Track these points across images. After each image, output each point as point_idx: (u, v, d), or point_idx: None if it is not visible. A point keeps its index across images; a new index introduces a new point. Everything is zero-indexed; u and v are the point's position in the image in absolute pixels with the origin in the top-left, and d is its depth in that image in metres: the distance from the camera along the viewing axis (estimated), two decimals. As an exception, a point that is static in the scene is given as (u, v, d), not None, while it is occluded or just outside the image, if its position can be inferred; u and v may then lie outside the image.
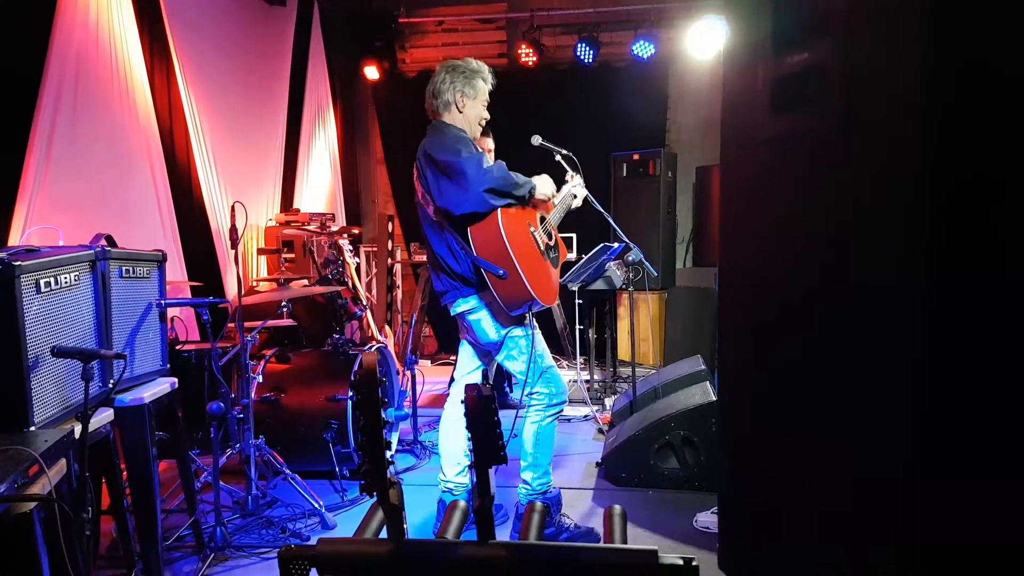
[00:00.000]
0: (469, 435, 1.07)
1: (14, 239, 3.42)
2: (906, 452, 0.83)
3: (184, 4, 4.72)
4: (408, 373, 4.37)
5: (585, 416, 5.05)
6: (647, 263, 4.31)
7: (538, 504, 1.19)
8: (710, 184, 6.94)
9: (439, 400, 5.29)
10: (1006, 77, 0.73)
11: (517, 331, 3.09)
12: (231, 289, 5.18)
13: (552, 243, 3.31)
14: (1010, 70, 0.72)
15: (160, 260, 2.82)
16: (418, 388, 4.44)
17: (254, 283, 5.43)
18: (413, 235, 7.36)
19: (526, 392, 3.13)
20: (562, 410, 3.17)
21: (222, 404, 2.94)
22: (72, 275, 2.21)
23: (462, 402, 1.16)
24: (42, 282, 2.05)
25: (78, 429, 2.02)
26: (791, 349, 1.11)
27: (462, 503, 1.25)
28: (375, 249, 7.10)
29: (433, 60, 7.79)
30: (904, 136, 0.81)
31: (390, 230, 6.87)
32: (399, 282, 7.30)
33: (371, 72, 7.35)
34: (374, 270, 7.15)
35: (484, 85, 3.21)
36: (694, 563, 0.95)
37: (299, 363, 3.93)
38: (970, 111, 0.76)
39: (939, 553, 0.82)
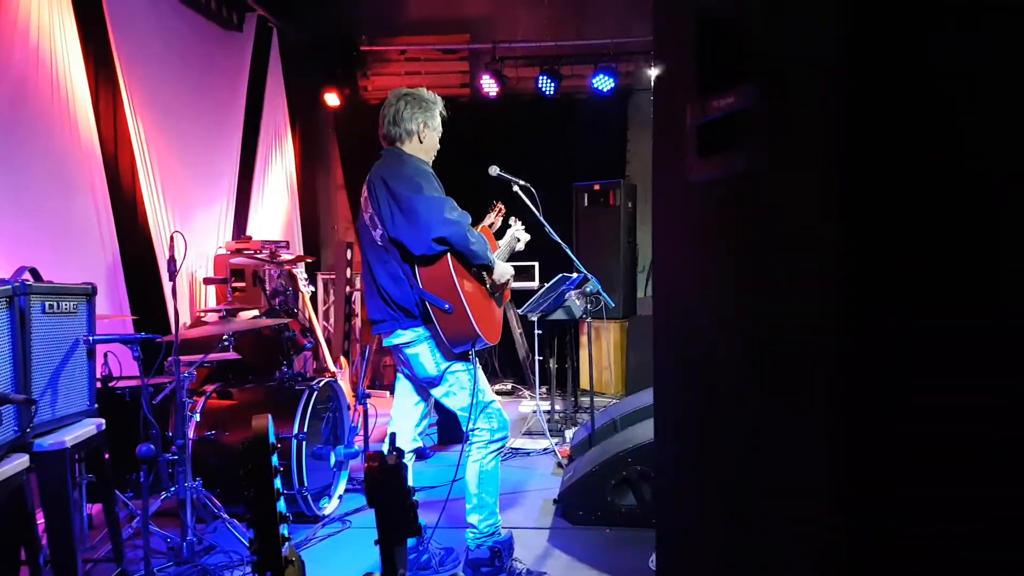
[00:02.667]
0: (374, 508, 0.97)
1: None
2: (828, 498, 0.79)
3: (131, 25, 4.60)
4: (360, 408, 4.23)
5: (544, 449, 4.94)
6: (604, 294, 4.25)
7: None
8: (671, 215, 6.94)
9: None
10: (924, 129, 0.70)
11: (458, 366, 2.99)
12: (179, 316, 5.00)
13: (498, 283, 3.23)
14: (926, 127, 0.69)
15: (89, 294, 2.68)
16: (372, 422, 4.30)
17: (201, 314, 5.26)
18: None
19: (466, 429, 3.03)
20: (504, 445, 3.08)
21: (152, 446, 2.78)
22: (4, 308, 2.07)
23: (387, 462, 1.07)
24: (-54, 320, 1.91)
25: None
26: (716, 394, 1.05)
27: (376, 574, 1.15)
28: (334, 277, 6.96)
29: (394, 88, 7.74)
30: (828, 174, 0.77)
31: (348, 258, 6.74)
32: (357, 310, 7.16)
33: (331, 99, 7.27)
34: (332, 298, 7.01)
35: (439, 116, 3.16)
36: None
37: (242, 399, 3.78)
38: (893, 152, 0.72)
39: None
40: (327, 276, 7.06)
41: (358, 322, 7.20)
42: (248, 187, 6.20)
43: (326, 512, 3.78)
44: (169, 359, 4.28)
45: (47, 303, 2.41)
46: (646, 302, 7.24)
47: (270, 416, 0.94)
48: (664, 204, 1.19)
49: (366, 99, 7.76)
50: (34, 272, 2.46)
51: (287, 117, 7.01)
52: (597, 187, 7.01)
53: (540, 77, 7.21)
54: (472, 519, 2.99)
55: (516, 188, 3.63)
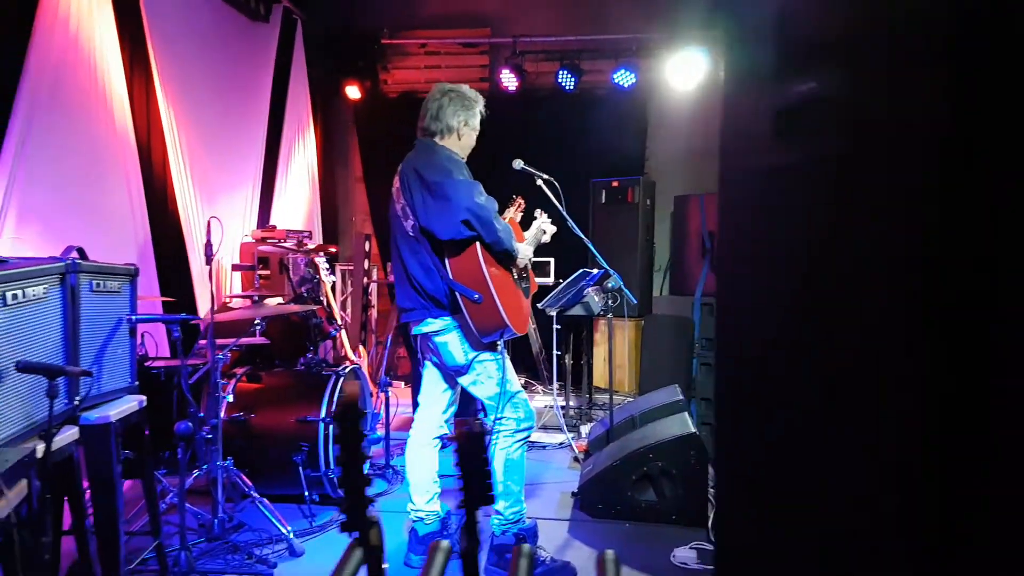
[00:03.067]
0: (459, 474, 1.02)
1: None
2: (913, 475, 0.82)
3: (166, 15, 4.66)
4: (382, 395, 4.30)
5: (560, 443, 5.00)
6: (626, 290, 4.30)
7: (525, 548, 1.14)
8: (687, 213, 6.99)
9: (410, 422, 5.21)
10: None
11: (486, 355, 3.05)
12: (203, 305, 5.08)
13: (524, 274, 3.29)
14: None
15: (132, 274, 2.74)
16: (393, 410, 4.37)
17: (227, 300, 5.34)
18: (389, 255, 7.31)
19: (492, 418, 3.09)
20: (530, 436, 3.14)
21: (191, 424, 2.85)
22: (40, 288, 2.14)
23: (448, 438, 1.12)
24: (8, 294, 1.97)
25: (40, 448, 1.94)
26: (784, 385, 1.09)
27: (444, 544, 1.20)
28: (351, 268, 7.03)
29: (415, 82, 7.81)
30: (913, 169, 0.80)
31: (367, 249, 6.82)
32: (375, 301, 7.23)
33: (352, 92, 7.33)
34: (349, 289, 7.07)
35: (479, 115, 3.22)
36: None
37: (270, 383, 3.85)
38: (989, 151, 0.75)
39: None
40: (345, 267, 7.13)
41: (374, 312, 7.27)
42: (272, 177, 6.26)
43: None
44: (201, 341, 4.38)
45: (94, 282, 2.47)
46: (661, 301, 7.28)
47: (357, 383, 0.98)
48: (733, 190, 1.23)
49: (386, 92, 7.82)
50: (81, 252, 2.52)
51: (309, 109, 7.07)
52: (615, 184, 7.05)
53: (560, 72, 7.23)
54: (498, 506, 3.05)
55: (540, 182, 3.67)
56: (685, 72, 7.13)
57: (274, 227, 5.50)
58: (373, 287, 7.07)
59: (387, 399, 4.27)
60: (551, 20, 7.61)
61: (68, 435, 2.25)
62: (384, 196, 8.23)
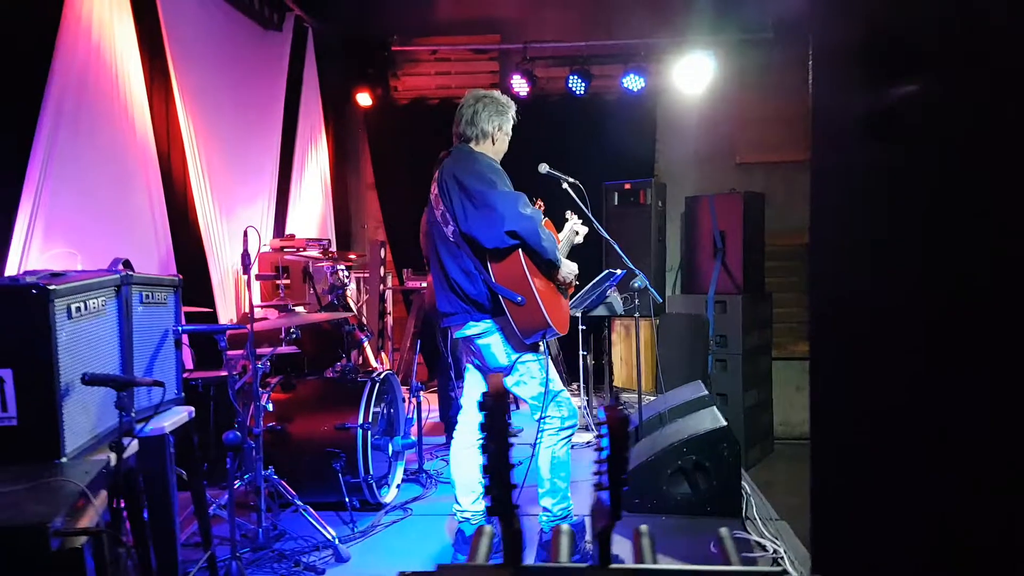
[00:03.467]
0: (605, 456, 1.04)
1: (13, 255, 3.32)
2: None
3: (184, 25, 4.67)
4: (414, 400, 4.31)
5: (587, 443, 5.01)
6: (652, 289, 4.31)
7: (565, 527, 1.15)
8: (698, 214, 7.02)
9: (437, 428, 5.22)
10: None
11: (528, 356, 3.07)
12: (224, 314, 5.08)
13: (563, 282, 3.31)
14: None
15: (177, 285, 2.75)
16: (424, 415, 4.38)
17: (247, 310, 5.35)
18: (404, 261, 7.32)
19: (537, 417, 3.10)
20: (574, 433, 3.15)
21: (238, 433, 2.85)
22: (99, 300, 2.14)
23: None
24: (73, 307, 1.98)
25: (113, 459, 1.94)
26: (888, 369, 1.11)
27: (487, 527, 1.20)
28: (367, 275, 7.03)
29: (425, 88, 7.83)
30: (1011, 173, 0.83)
31: (382, 256, 6.82)
32: (390, 308, 7.24)
33: (363, 98, 7.35)
34: (364, 296, 7.08)
35: (511, 122, 3.24)
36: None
37: (304, 391, 3.85)
38: None
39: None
40: (360, 275, 7.13)
41: (390, 320, 7.28)
42: (287, 186, 6.27)
43: (387, 500, 3.85)
44: (231, 352, 4.37)
45: (144, 293, 2.48)
46: (675, 301, 7.29)
47: (501, 375, 0.98)
48: (826, 190, 1.26)
49: (396, 99, 7.83)
50: (127, 264, 2.53)
51: (322, 116, 7.08)
52: (628, 186, 7.08)
53: (571, 77, 7.26)
54: (545, 503, 3.06)
55: (565, 185, 3.69)
56: (692, 75, 7.17)
57: (293, 236, 5.51)
58: (388, 294, 7.08)
59: (419, 404, 4.28)
60: (560, 26, 7.64)
61: (130, 447, 2.25)
62: (395, 202, 8.24)
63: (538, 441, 3.07)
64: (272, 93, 6.05)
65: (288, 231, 6.14)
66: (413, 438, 4.21)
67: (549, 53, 7.54)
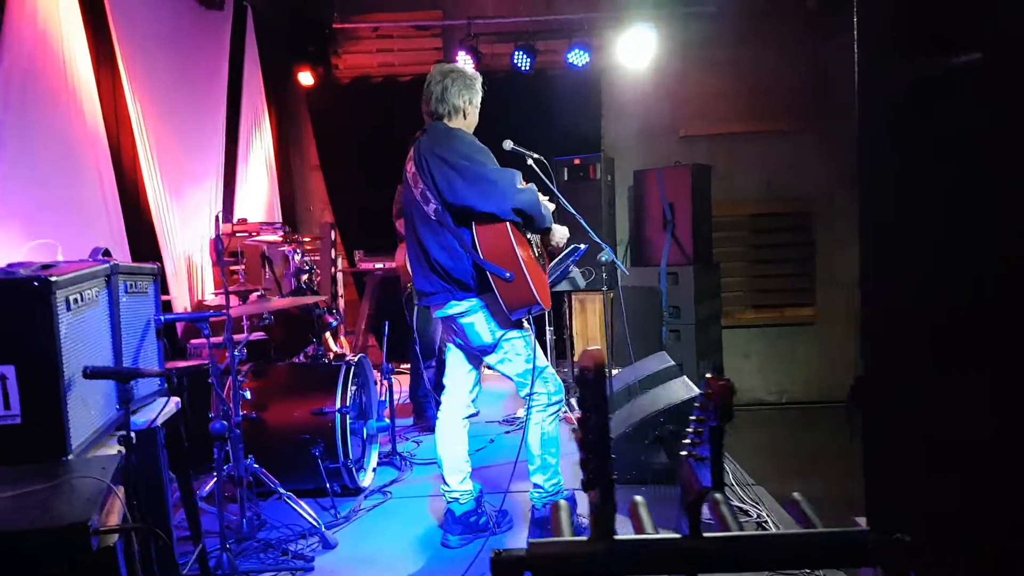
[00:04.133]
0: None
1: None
2: None
3: (128, 6, 4.48)
4: (385, 383, 4.29)
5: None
6: (619, 263, 4.39)
7: (562, 502, 1.20)
8: (646, 187, 7.14)
9: (405, 409, 5.20)
10: None
11: (513, 333, 3.09)
12: (179, 301, 4.94)
13: (541, 250, 3.35)
14: None
15: (156, 274, 2.68)
16: (396, 397, 4.36)
17: (200, 297, 5.21)
18: (354, 243, 7.23)
19: (524, 394, 3.14)
20: (561, 408, 3.20)
21: (224, 423, 2.80)
22: (93, 291, 2.07)
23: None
24: (71, 299, 1.91)
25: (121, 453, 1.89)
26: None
27: (563, 502, 1.23)
28: (316, 258, 6.90)
29: (368, 67, 7.69)
30: None
31: (333, 238, 6.72)
32: (342, 291, 7.14)
33: (305, 78, 7.19)
34: (316, 279, 6.96)
35: (480, 94, 3.24)
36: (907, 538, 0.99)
37: (277, 378, 3.80)
38: None
39: None
40: (311, 257, 7.00)
41: (342, 302, 7.19)
42: (233, 168, 6.10)
43: (364, 485, 3.84)
44: (194, 340, 4.27)
45: (128, 283, 2.40)
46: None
47: (601, 349, 1.00)
48: (875, 157, 1.30)
49: (338, 78, 7.68)
50: (107, 253, 2.45)
51: (263, 97, 6.90)
52: (577, 161, 7.12)
53: (516, 52, 7.25)
54: (537, 479, 3.11)
55: (531, 162, 3.71)
56: (635, 50, 7.24)
57: (245, 220, 5.37)
58: (340, 276, 6.98)
59: (391, 387, 4.26)
60: (501, 2, 7.60)
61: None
62: (341, 183, 8.09)
63: (527, 419, 3.11)
64: (215, 73, 5.86)
65: (237, 214, 5.98)
66: (387, 420, 4.20)
67: (493, 29, 7.50)
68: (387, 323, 4.33)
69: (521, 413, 5.33)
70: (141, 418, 2.36)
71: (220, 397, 2.80)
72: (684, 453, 1.20)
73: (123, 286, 2.37)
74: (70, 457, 1.83)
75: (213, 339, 3.40)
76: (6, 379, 1.76)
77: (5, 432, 1.78)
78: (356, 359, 3.82)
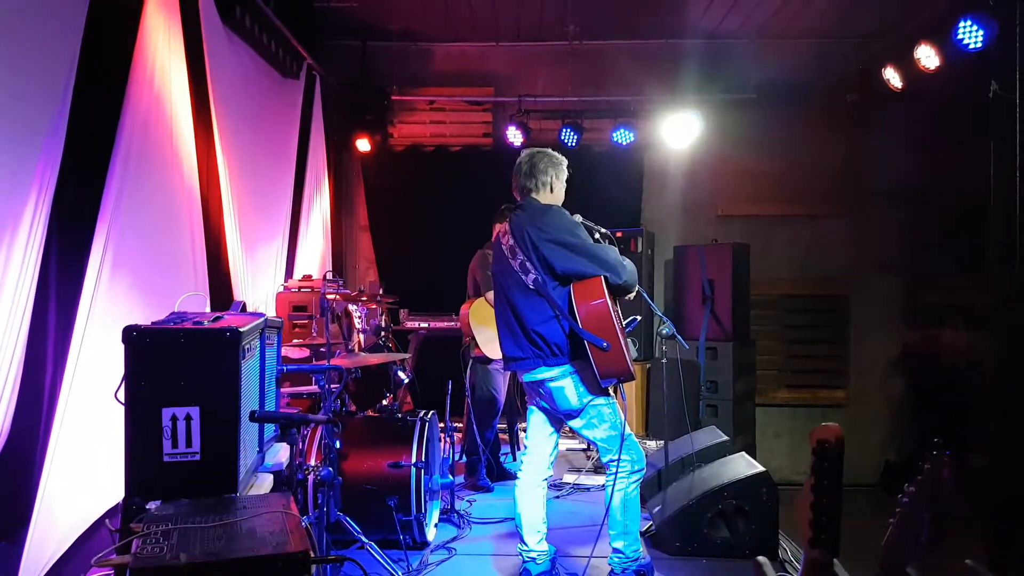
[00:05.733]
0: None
1: (85, 294, 3.34)
2: None
3: (224, 72, 4.80)
4: (447, 440, 4.43)
5: (603, 485, 5.17)
6: (679, 337, 4.57)
7: (764, 559, 1.34)
8: (686, 262, 7.37)
9: (459, 467, 5.32)
10: None
11: (600, 400, 3.25)
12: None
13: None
14: None
15: (279, 327, 2.87)
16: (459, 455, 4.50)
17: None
18: (398, 302, 7.45)
19: (607, 460, 3.29)
20: (643, 476, 3.33)
21: (331, 470, 2.94)
22: (254, 341, 2.27)
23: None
24: (245, 347, 2.10)
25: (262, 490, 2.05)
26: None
27: (762, 559, 1.38)
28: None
29: (420, 136, 8.06)
30: None
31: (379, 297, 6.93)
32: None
33: (363, 144, 7.53)
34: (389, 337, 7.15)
35: (566, 172, 3.51)
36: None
37: (355, 428, 3.95)
38: None
39: None
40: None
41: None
42: (296, 227, 6.37)
43: (429, 539, 3.94)
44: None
45: (267, 335, 2.60)
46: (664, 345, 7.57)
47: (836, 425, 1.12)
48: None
49: (392, 145, 8.04)
50: (243, 308, 2.65)
51: (325, 160, 7.23)
52: (620, 234, 7.38)
53: (563, 130, 7.58)
54: (617, 544, 3.23)
55: (597, 235, 3.93)
56: (679, 131, 7.58)
57: (310, 276, 5.60)
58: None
59: (453, 444, 4.40)
60: (552, 81, 7.99)
61: (268, 482, 2.35)
62: (388, 244, 8.36)
63: (609, 485, 3.24)
64: (288, 138, 6.18)
65: (298, 271, 6.22)
66: (450, 477, 4.33)
67: (542, 107, 7.84)
68: (450, 382, 4.50)
69: (568, 479, 5.45)
70: (272, 461, 2.52)
71: (331, 445, 2.94)
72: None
73: (263, 338, 2.56)
74: (238, 494, 2.00)
75: (298, 388, 3.58)
76: (191, 419, 1.94)
77: (186, 468, 1.94)
78: (429, 415, 3.98)
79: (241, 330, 1.98)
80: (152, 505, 1.85)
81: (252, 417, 2.06)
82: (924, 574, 1.15)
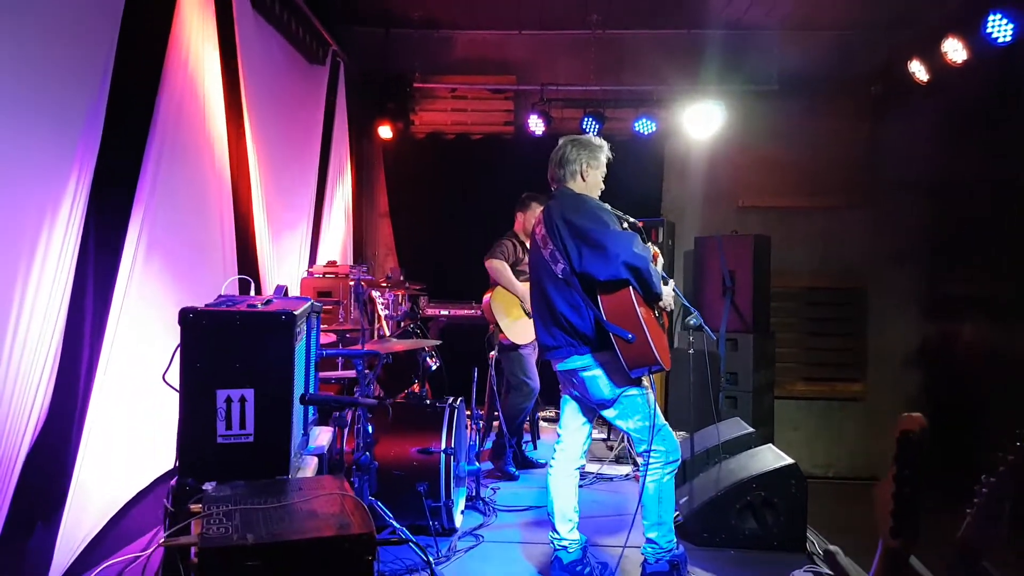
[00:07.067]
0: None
1: (121, 277, 3.37)
2: None
3: (255, 57, 4.81)
4: (474, 427, 4.45)
5: (626, 475, 5.21)
6: (707, 327, 4.56)
7: (836, 548, 1.34)
8: (707, 253, 7.35)
9: (484, 454, 5.34)
10: None
11: (633, 391, 3.25)
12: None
13: (660, 310, 3.53)
14: None
15: (320, 311, 2.88)
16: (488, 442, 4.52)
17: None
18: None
19: (641, 450, 3.29)
20: (677, 467, 3.34)
21: (369, 455, 2.97)
22: (304, 324, 2.28)
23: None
24: (297, 331, 2.12)
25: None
26: None
27: (834, 547, 1.39)
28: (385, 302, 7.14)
29: (442, 123, 8.05)
30: None
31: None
32: (407, 337, 7.35)
33: (384, 131, 7.54)
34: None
35: (604, 158, 3.48)
36: None
37: (383, 416, 3.96)
38: None
39: None
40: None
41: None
42: (320, 213, 6.39)
43: (457, 525, 3.97)
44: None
45: (312, 318, 2.61)
46: (683, 336, 7.58)
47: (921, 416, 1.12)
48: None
49: (414, 132, 8.03)
50: (286, 292, 2.67)
51: (348, 147, 7.24)
52: (641, 223, 7.35)
53: (585, 118, 7.56)
54: (651, 535, 3.23)
55: (626, 225, 3.92)
56: (701, 122, 7.55)
57: (335, 262, 5.62)
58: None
59: (478, 431, 4.42)
60: (574, 70, 7.96)
61: (312, 464, 2.37)
62: (407, 230, 8.37)
63: (643, 474, 3.25)
64: (314, 124, 6.20)
65: (320, 257, 6.24)
66: (477, 464, 4.35)
67: (563, 95, 7.83)
68: (475, 368, 4.51)
69: (592, 468, 5.46)
70: (314, 445, 2.55)
71: (366, 430, 2.97)
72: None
73: (309, 321, 2.58)
74: (288, 476, 2.02)
75: (334, 373, 3.59)
76: (245, 401, 1.96)
77: (239, 448, 1.96)
78: (457, 402, 4.00)
79: (295, 313, 2.00)
80: (208, 486, 1.88)
81: (302, 400, 2.07)
82: (1000, 568, 1.15)
